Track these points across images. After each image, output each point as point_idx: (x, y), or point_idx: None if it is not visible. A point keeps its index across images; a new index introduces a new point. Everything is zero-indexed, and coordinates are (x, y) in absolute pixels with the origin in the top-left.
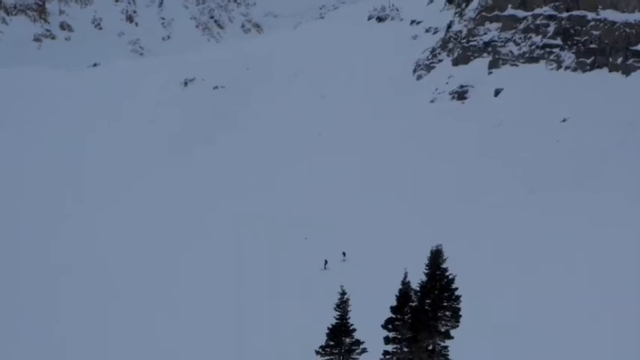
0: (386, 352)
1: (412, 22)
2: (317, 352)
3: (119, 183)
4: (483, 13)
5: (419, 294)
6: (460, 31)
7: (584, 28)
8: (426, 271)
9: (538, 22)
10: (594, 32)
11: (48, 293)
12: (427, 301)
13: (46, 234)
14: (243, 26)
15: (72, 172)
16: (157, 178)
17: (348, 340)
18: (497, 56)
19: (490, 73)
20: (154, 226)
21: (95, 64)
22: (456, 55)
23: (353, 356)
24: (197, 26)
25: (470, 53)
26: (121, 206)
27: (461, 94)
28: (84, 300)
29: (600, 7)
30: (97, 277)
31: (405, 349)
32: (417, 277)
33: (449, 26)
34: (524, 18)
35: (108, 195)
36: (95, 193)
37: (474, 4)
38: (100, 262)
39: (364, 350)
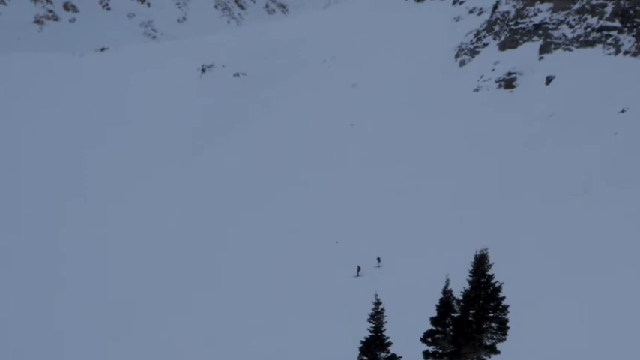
0: None
1: (454, 1)
2: None
3: (126, 183)
4: None
5: (462, 303)
6: (508, 12)
7: None
8: (470, 278)
9: (594, 2)
10: None
11: (51, 302)
12: (471, 311)
13: (48, 238)
14: (266, 6)
15: (76, 171)
16: (170, 178)
17: (383, 354)
18: (548, 40)
19: (541, 58)
20: (168, 231)
21: (102, 49)
22: (503, 38)
23: None
24: (216, 6)
25: (518, 37)
26: (128, 209)
27: (508, 82)
28: (91, 309)
29: None
30: (105, 286)
31: None
32: (459, 285)
33: (495, 6)
34: None
35: (114, 196)
36: (101, 194)
37: None
38: (108, 270)
39: None
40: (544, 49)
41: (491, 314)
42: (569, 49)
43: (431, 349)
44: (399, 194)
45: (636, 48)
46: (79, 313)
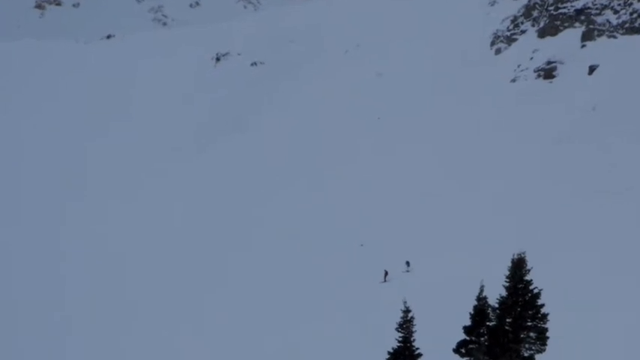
0: None
1: None
2: None
3: (131, 179)
4: None
5: (498, 311)
6: None
7: None
8: (507, 284)
9: None
10: None
11: (52, 306)
12: (508, 320)
13: (49, 234)
14: None
15: (77, 165)
16: (182, 175)
17: None
18: (591, 26)
19: (583, 46)
20: (174, 229)
21: (109, 36)
22: (542, 24)
23: None
24: None
25: (559, 22)
26: (131, 206)
27: (548, 72)
28: (93, 308)
29: None
30: (107, 285)
31: None
32: (495, 291)
33: None
34: None
35: (117, 193)
36: (103, 190)
37: None
38: (110, 268)
39: None
40: (587, 36)
41: (529, 323)
42: (614, 36)
43: None
44: (429, 192)
45: None
46: (80, 312)
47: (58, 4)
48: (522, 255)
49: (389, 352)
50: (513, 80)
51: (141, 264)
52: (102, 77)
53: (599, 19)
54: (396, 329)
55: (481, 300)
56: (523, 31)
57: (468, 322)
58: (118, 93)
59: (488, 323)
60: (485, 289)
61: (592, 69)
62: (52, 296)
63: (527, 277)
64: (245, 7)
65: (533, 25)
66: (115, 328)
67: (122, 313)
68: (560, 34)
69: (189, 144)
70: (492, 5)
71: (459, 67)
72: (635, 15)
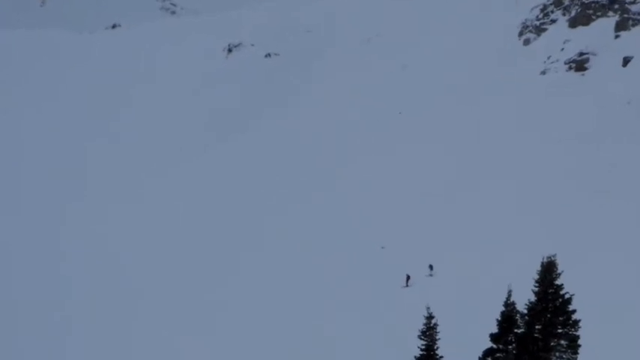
0: None
1: None
2: None
3: (134, 178)
4: None
5: (526, 318)
6: None
7: None
8: (536, 289)
9: None
10: None
11: (52, 306)
12: (537, 326)
13: (49, 234)
14: None
15: (78, 163)
16: (192, 172)
17: None
18: (625, 15)
19: (617, 37)
20: (183, 233)
21: (114, 26)
22: (573, 13)
23: None
24: None
25: (591, 12)
26: (135, 206)
27: (580, 64)
28: (95, 314)
29: None
30: (110, 289)
31: None
32: (523, 297)
33: None
34: None
35: (120, 192)
36: (105, 189)
37: None
38: (112, 269)
39: None
40: (621, 26)
41: (560, 330)
42: None
43: None
44: (454, 192)
45: None
46: (81, 312)
47: None
48: (552, 258)
49: None
50: (543, 73)
51: (142, 264)
52: (106, 70)
53: (633, 8)
54: (419, 336)
55: (509, 306)
56: (553, 21)
57: (495, 329)
58: (122, 87)
59: (516, 330)
60: (513, 294)
61: (626, 60)
62: (52, 296)
63: (558, 282)
64: None
65: (564, 14)
66: (115, 328)
67: (123, 313)
68: (593, 24)
69: (199, 141)
70: None
71: (485, 58)
72: None
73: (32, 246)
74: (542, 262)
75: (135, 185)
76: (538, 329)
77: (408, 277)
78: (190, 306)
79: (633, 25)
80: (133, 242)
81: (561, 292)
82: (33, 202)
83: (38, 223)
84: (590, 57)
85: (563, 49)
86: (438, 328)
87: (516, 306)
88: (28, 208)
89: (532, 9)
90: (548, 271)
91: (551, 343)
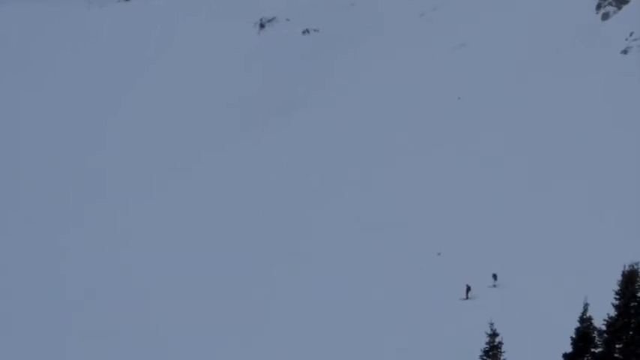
0: None
1: None
2: None
3: (158, 171)
4: None
5: (605, 335)
6: None
7: None
8: (616, 302)
9: None
10: None
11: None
12: (617, 345)
13: (50, 234)
14: None
15: (86, 156)
16: (220, 163)
17: None
18: None
19: None
20: (216, 232)
21: None
22: None
23: None
24: None
25: None
26: (160, 201)
27: None
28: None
29: None
30: (114, 289)
31: None
32: (602, 311)
33: None
34: None
35: (140, 186)
36: (122, 183)
37: None
38: (134, 285)
39: None
40: None
41: None
42: None
43: None
44: (521, 191)
45: None
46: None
47: None
48: (635, 267)
49: None
50: (624, 52)
51: (156, 264)
52: (117, 49)
53: None
54: (481, 357)
55: (585, 321)
56: None
57: (569, 349)
58: (134, 69)
59: (593, 350)
60: (589, 307)
61: None
62: (52, 296)
63: None
64: None
65: None
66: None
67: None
68: None
69: (223, 132)
70: None
71: (558, 35)
72: None
73: (32, 243)
74: (624, 272)
75: (151, 179)
76: (619, 348)
77: (469, 288)
78: (200, 310)
79: None
80: (150, 239)
81: None
82: (33, 196)
83: (39, 219)
84: None
85: None
86: (503, 347)
87: (593, 322)
88: (28, 202)
89: None
90: (631, 282)
91: None
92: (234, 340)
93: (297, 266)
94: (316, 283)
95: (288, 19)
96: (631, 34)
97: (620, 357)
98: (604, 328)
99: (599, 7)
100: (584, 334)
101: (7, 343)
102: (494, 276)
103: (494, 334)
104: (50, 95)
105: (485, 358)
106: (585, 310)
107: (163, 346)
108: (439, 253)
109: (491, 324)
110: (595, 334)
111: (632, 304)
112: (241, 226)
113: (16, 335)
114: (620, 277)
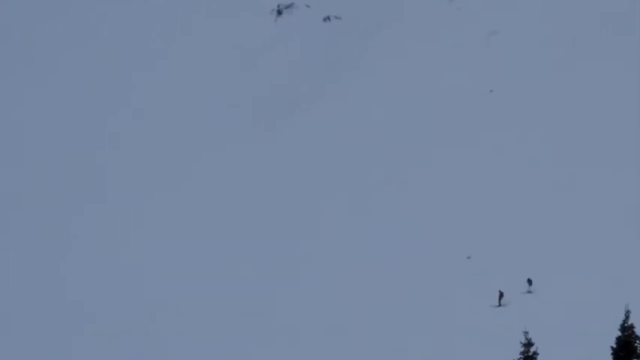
0: None
1: None
2: None
3: (166, 169)
4: None
5: None
6: None
7: None
8: None
9: None
10: None
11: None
12: None
13: (51, 234)
14: None
15: (93, 154)
16: (231, 163)
17: None
18: None
19: None
20: (230, 235)
21: None
22: None
23: None
24: None
25: None
26: (170, 202)
27: None
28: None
29: None
30: (131, 309)
31: None
32: None
33: None
34: None
35: (148, 186)
36: (131, 182)
37: None
38: (136, 285)
39: None
40: None
41: None
42: None
43: None
44: (557, 189)
45: None
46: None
47: None
48: None
49: None
50: None
51: (158, 264)
52: (123, 43)
53: None
54: None
55: (627, 330)
56: None
57: (610, 359)
58: (145, 54)
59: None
60: (631, 315)
61: None
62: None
63: None
64: None
65: None
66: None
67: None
68: None
69: (242, 125)
70: None
71: (601, 22)
72: None
73: (32, 243)
74: None
75: (157, 178)
76: None
77: (502, 294)
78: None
79: None
80: (157, 240)
81: None
82: (36, 196)
83: (41, 219)
84: None
85: None
86: (539, 358)
87: (635, 330)
88: (29, 202)
89: None
90: None
91: None
92: (239, 344)
93: (320, 270)
94: (338, 288)
95: (307, 6)
96: None
97: None
98: None
99: None
100: (625, 343)
101: (7, 343)
102: (529, 281)
103: (529, 344)
104: (53, 92)
105: None
106: (627, 317)
107: (164, 346)
108: (469, 257)
109: (526, 333)
110: (637, 343)
111: None
112: (254, 231)
113: (16, 335)
114: None
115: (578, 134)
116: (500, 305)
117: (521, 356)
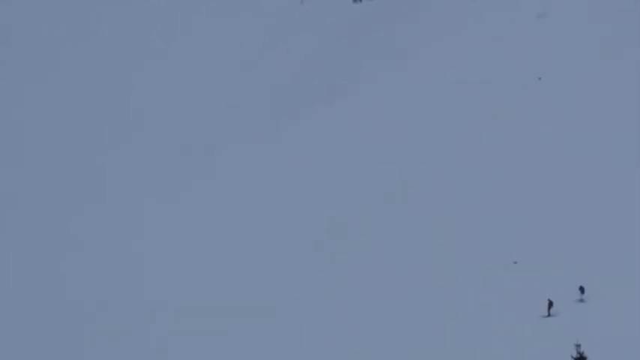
0: None
1: None
2: None
3: (172, 167)
4: None
5: None
6: None
7: None
8: None
9: None
10: None
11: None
12: None
13: (52, 235)
14: None
15: (95, 155)
16: (247, 161)
17: None
18: None
19: None
20: (230, 235)
21: None
22: None
23: None
24: None
25: None
26: (189, 202)
27: None
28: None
29: None
30: (133, 310)
31: None
32: None
33: None
34: None
35: (154, 186)
36: (136, 182)
37: None
38: (138, 288)
39: None
40: None
41: None
42: None
43: None
44: (612, 187)
45: None
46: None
47: None
48: None
49: None
50: None
51: (162, 264)
52: (129, 35)
53: None
54: None
55: None
56: None
57: None
58: (149, 55)
59: None
60: None
61: None
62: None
63: None
64: None
65: None
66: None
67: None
68: None
69: (259, 117)
70: None
71: None
72: None
73: (32, 243)
74: None
75: (162, 178)
76: None
77: (551, 303)
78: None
79: None
80: (161, 240)
81: None
82: (36, 196)
83: (41, 219)
84: None
85: None
86: None
87: None
88: (29, 202)
89: None
90: None
91: None
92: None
93: (353, 273)
94: (366, 292)
95: None
96: None
97: None
98: None
99: None
100: None
101: (7, 343)
102: (582, 289)
103: (581, 358)
104: (53, 92)
105: None
106: None
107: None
108: (515, 262)
109: (578, 345)
110: None
111: None
112: (254, 231)
113: (17, 335)
114: None
115: (631, 122)
116: (549, 315)
117: None
